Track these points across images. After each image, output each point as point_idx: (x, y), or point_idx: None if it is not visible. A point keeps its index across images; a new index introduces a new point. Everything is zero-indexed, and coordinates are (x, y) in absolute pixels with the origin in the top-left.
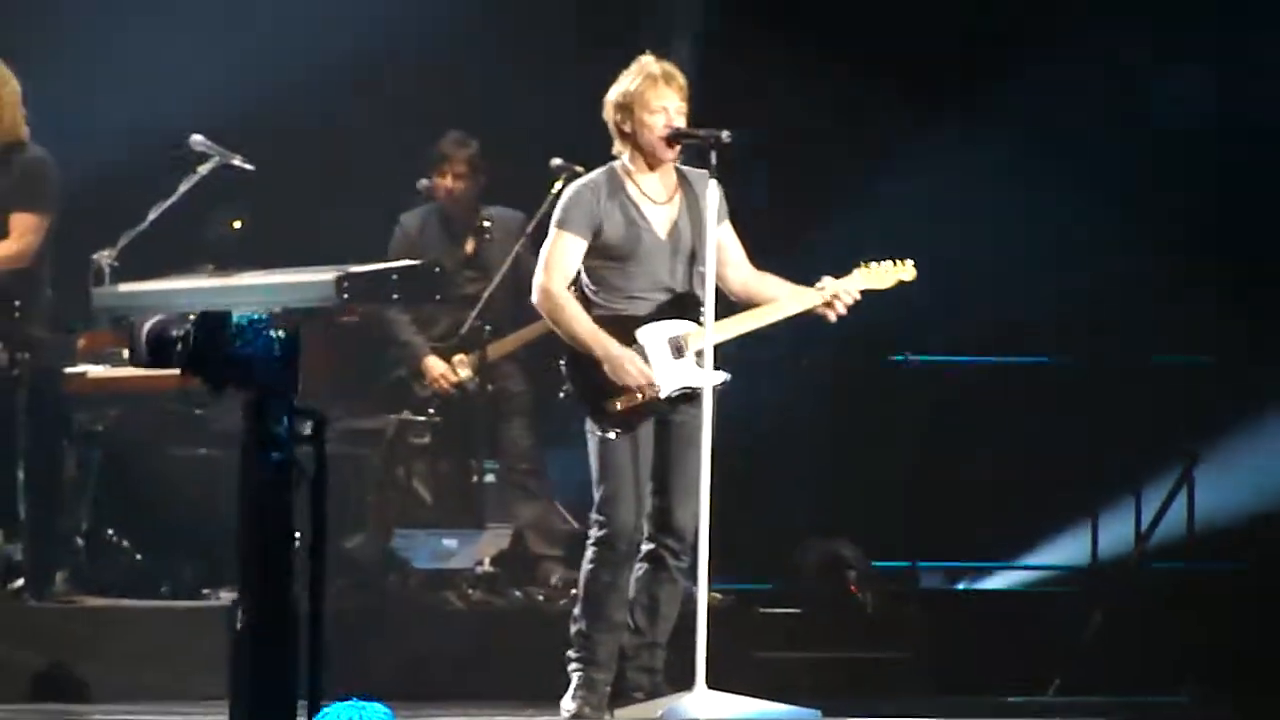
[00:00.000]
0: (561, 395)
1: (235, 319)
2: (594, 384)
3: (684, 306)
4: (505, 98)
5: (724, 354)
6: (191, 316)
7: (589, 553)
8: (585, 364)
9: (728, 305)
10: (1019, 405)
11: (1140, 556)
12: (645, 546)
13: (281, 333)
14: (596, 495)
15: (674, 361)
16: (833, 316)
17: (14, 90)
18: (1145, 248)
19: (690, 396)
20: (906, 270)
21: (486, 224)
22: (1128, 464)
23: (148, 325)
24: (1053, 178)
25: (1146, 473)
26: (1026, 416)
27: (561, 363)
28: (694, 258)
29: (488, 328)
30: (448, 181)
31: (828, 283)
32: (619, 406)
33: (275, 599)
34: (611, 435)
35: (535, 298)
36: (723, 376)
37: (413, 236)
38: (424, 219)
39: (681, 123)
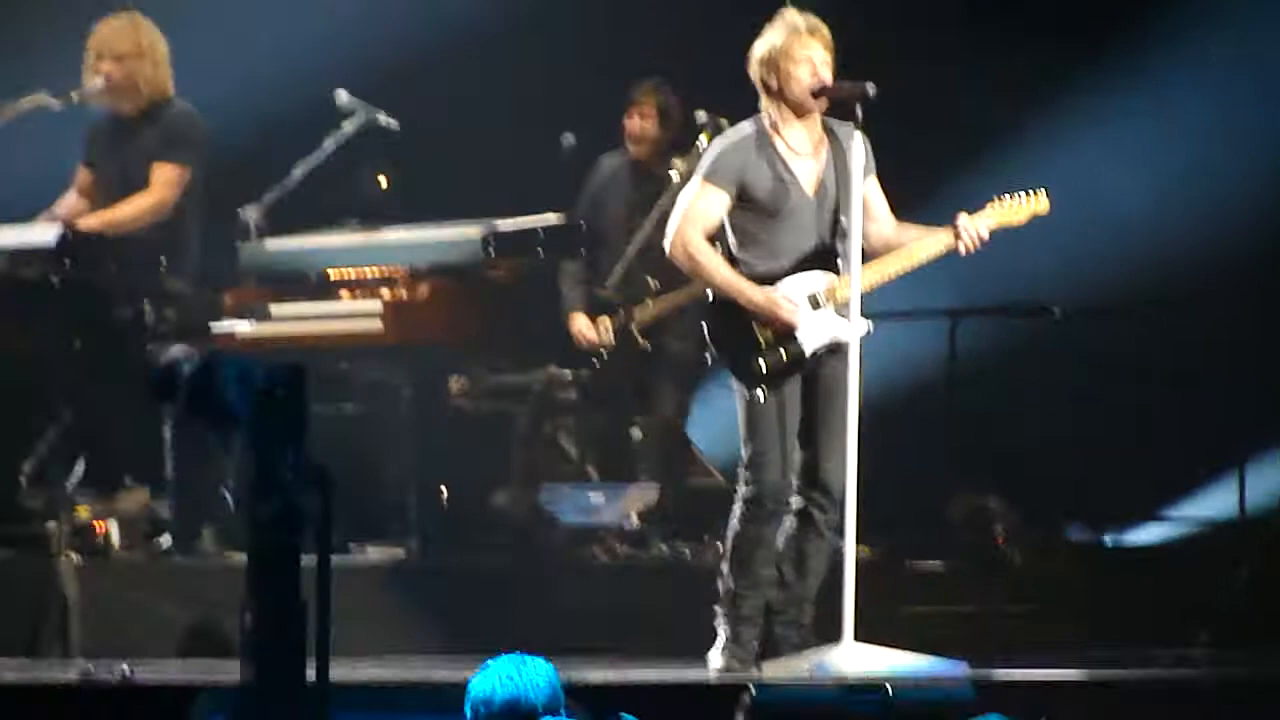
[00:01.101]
0: (707, 358)
1: (232, 367)
2: (738, 343)
3: (826, 261)
4: (653, 50)
5: (870, 308)
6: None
7: (737, 509)
8: (728, 324)
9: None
10: (1166, 355)
11: None
12: (794, 502)
13: (279, 382)
14: (744, 453)
15: (814, 315)
16: (963, 250)
17: (163, 50)
18: None
19: (834, 350)
20: (1039, 203)
21: (674, 174)
22: (1276, 413)
23: (161, 361)
24: (1209, 122)
25: None
26: (1173, 366)
27: (704, 326)
28: (838, 211)
29: (654, 282)
30: (634, 122)
31: (961, 219)
32: (765, 366)
33: (282, 654)
34: (759, 394)
35: (669, 248)
36: (866, 327)
37: (602, 182)
38: (615, 167)
39: (827, 74)
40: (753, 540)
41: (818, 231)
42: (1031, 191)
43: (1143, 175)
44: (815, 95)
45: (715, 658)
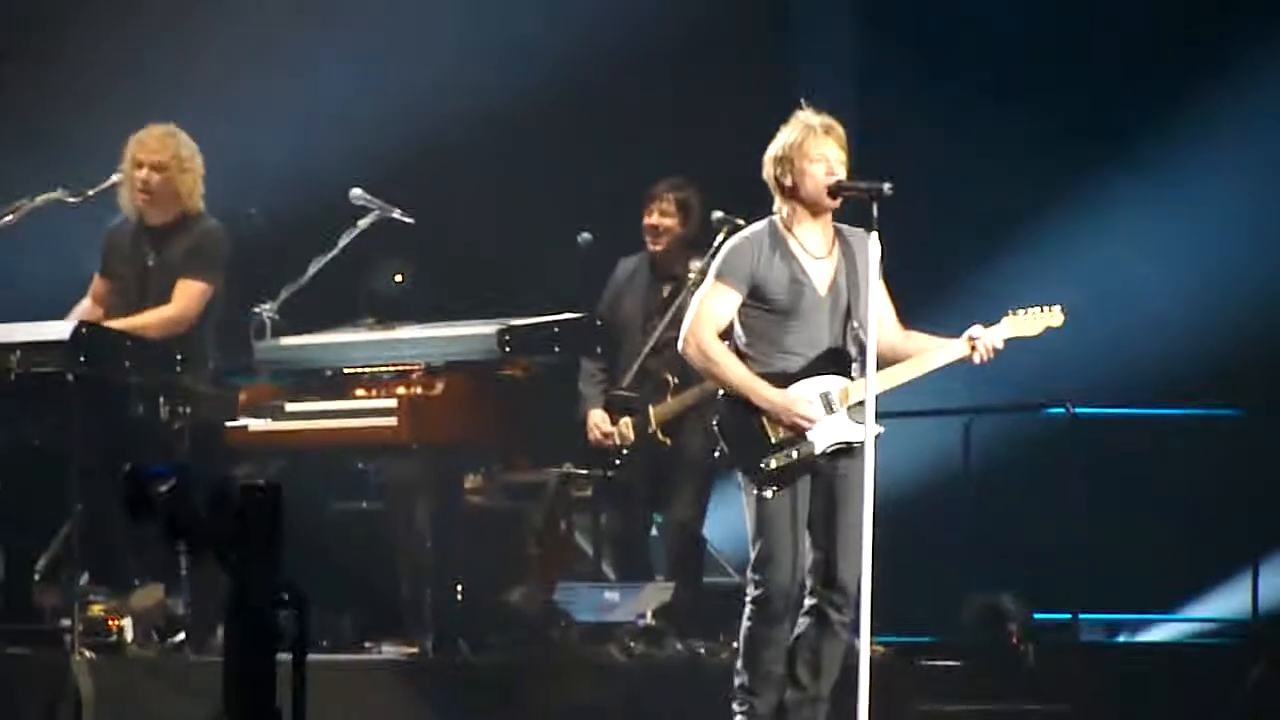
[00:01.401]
0: (715, 454)
1: (205, 485)
2: (748, 441)
3: (838, 363)
4: (668, 151)
5: (884, 406)
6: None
7: (747, 609)
8: (739, 421)
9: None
10: (1178, 456)
11: None
12: (808, 601)
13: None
14: (753, 553)
15: (827, 417)
16: (976, 359)
17: (200, 164)
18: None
19: (845, 452)
20: (1054, 317)
21: (690, 274)
22: None
23: (132, 477)
24: (1222, 228)
25: None
26: (1185, 467)
27: (715, 422)
28: (849, 314)
29: (673, 379)
30: (654, 219)
31: (975, 331)
32: (775, 464)
33: None
34: (768, 494)
35: (683, 345)
36: (879, 430)
37: (621, 282)
38: (637, 265)
39: (842, 173)
40: (763, 640)
41: (830, 333)
42: (1047, 306)
43: (1164, 275)
44: (831, 194)
45: None
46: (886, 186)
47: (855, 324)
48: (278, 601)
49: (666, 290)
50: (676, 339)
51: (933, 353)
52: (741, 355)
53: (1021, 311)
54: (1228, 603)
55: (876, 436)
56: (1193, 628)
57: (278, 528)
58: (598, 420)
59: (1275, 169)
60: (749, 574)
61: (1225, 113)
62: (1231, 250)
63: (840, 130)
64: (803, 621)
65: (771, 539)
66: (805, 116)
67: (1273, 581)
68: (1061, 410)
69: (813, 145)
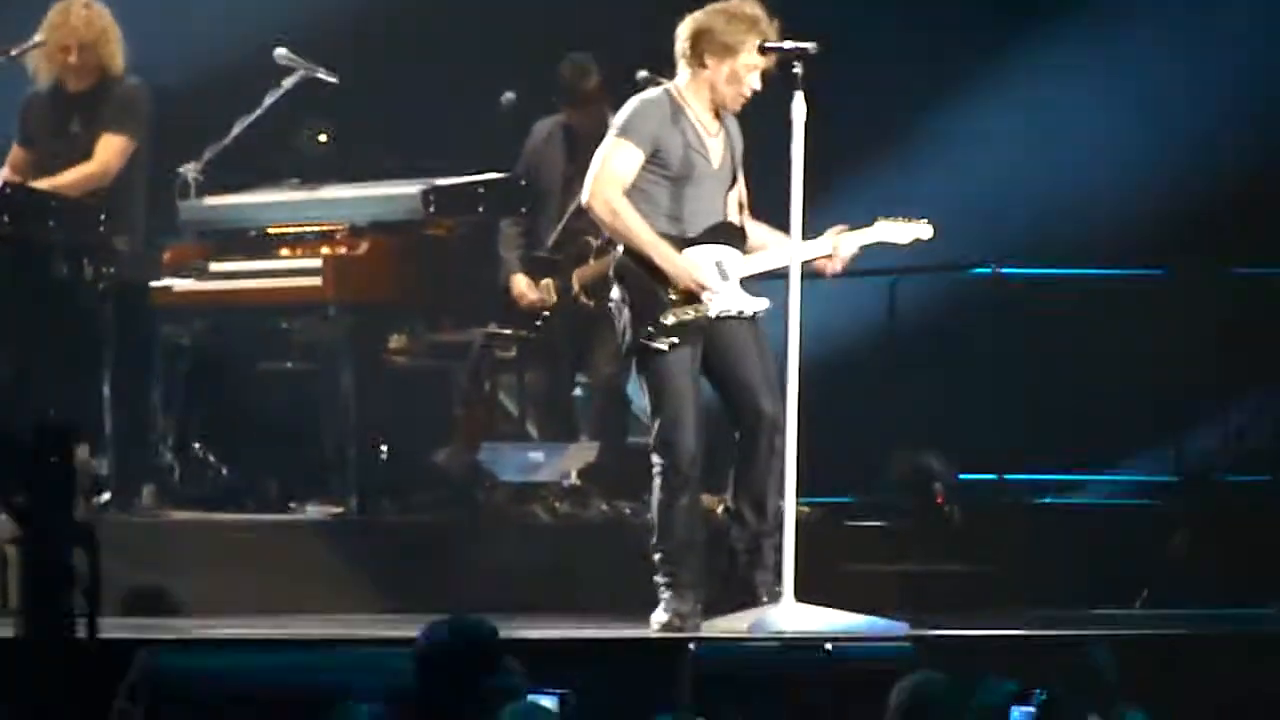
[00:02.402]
0: (611, 307)
1: None
2: (647, 297)
3: (727, 234)
4: (590, 10)
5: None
6: None
7: (656, 481)
8: (635, 282)
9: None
10: (1102, 318)
11: (1227, 468)
12: (738, 435)
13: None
14: (655, 425)
15: (721, 283)
16: (829, 271)
17: (115, 37)
18: (1228, 154)
19: (734, 318)
20: (924, 229)
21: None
22: (1214, 377)
23: None
24: (1135, 92)
25: (1234, 386)
26: (1112, 327)
27: (613, 272)
28: (732, 188)
29: (594, 241)
30: (572, 85)
31: (838, 238)
32: (672, 320)
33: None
34: (664, 346)
35: (587, 199)
36: (765, 303)
37: (539, 146)
38: (551, 129)
39: (756, 84)
40: (680, 508)
41: (720, 204)
42: (915, 219)
43: (1091, 134)
44: (741, 93)
45: (659, 615)
46: (810, 47)
47: (734, 198)
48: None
49: (585, 156)
50: None
51: (791, 248)
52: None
53: (891, 221)
54: (1153, 464)
55: (763, 311)
56: (1118, 488)
57: (71, 474)
58: (521, 286)
59: (1202, 19)
60: (653, 443)
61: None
62: (1158, 106)
63: (765, 21)
64: (737, 454)
65: (671, 406)
66: (739, 6)
67: (1197, 444)
68: (988, 270)
69: (734, 36)
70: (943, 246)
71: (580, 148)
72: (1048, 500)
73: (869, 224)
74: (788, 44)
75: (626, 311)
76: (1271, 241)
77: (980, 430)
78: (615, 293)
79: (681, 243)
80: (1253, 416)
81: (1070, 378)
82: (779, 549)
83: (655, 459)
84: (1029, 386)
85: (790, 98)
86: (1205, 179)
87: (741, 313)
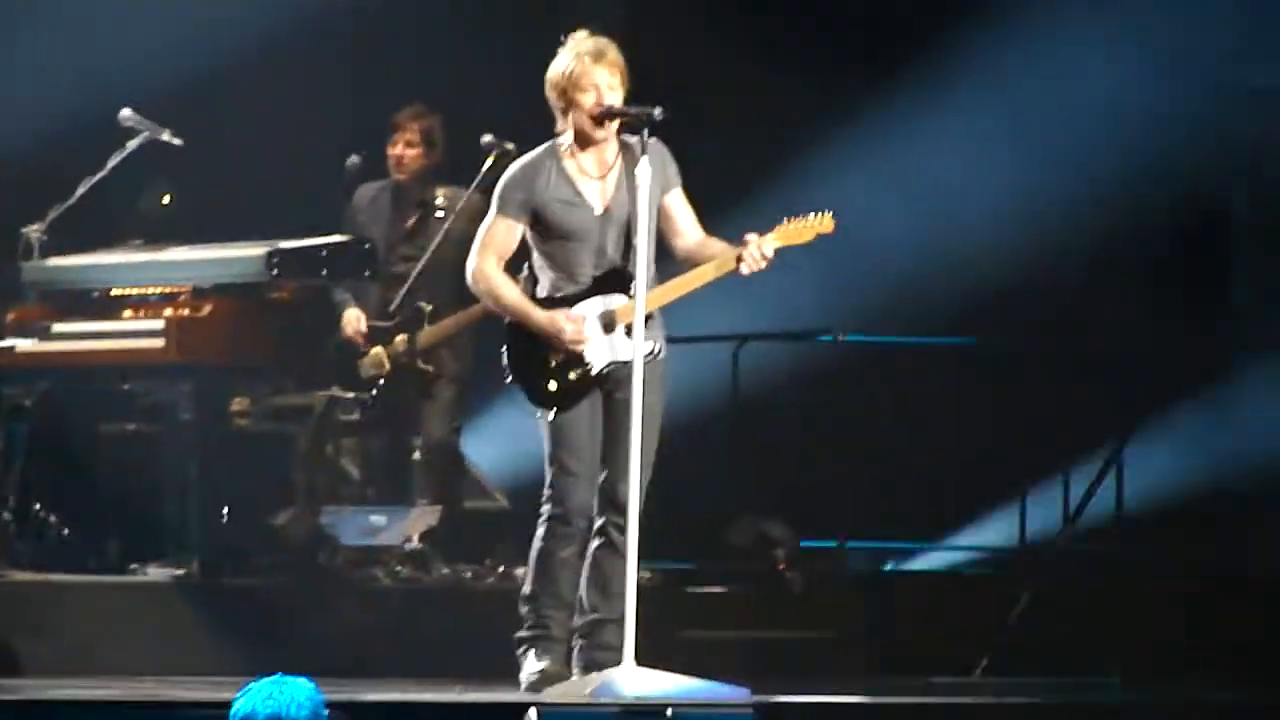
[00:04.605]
0: (508, 381)
1: None
2: (531, 366)
3: (618, 281)
4: (442, 75)
5: (659, 333)
6: None
7: (542, 529)
8: (521, 347)
9: (667, 275)
10: (950, 387)
11: (1068, 539)
12: (596, 523)
13: None
14: (549, 472)
15: (605, 337)
16: (745, 270)
17: None
18: (1078, 243)
19: (626, 367)
20: (825, 223)
21: (438, 201)
22: (1057, 447)
23: None
24: (989, 164)
25: (1075, 457)
26: (957, 399)
27: (503, 349)
28: (630, 231)
29: (428, 306)
30: (398, 149)
31: (748, 239)
32: (553, 386)
33: None
34: (550, 416)
35: (469, 278)
36: (650, 346)
37: (363, 207)
38: (377, 192)
39: (616, 99)
40: (561, 560)
41: (609, 252)
42: (819, 212)
43: (937, 211)
44: (599, 120)
45: (531, 669)
46: (657, 112)
47: (636, 238)
48: None
49: (412, 219)
50: (429, 271)
51: (704, 266)
52: (537, 281)
53: (794, 219)
54: (995, 532)
55: (652, 353)
56: (959, 556)
57: None
58: (352, 317)
59: (1018, 118)
60: (546, 493)
61: (978, 59)
62: (1002, 183)
63: (614, 54)
64: (592, 546)
65: (564, 460)
66: (578, 41)
67: (1039, 511)
68: (831, 338)
69: (583, 74)
70: (786, 314)
71: (406, 211)
72: (889, 568)
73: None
74: (633, 109)
75: (514, 378)
76: (1108, 321)
77: (823, 497)
78: (504, 359)
79: (578, 297)
80: (1090, 487)
81: (913, 447)
82: (620, 625)
83: (544, 507)
84: (872, 455)
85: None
86: (1049, 256)
87: (627, 363)
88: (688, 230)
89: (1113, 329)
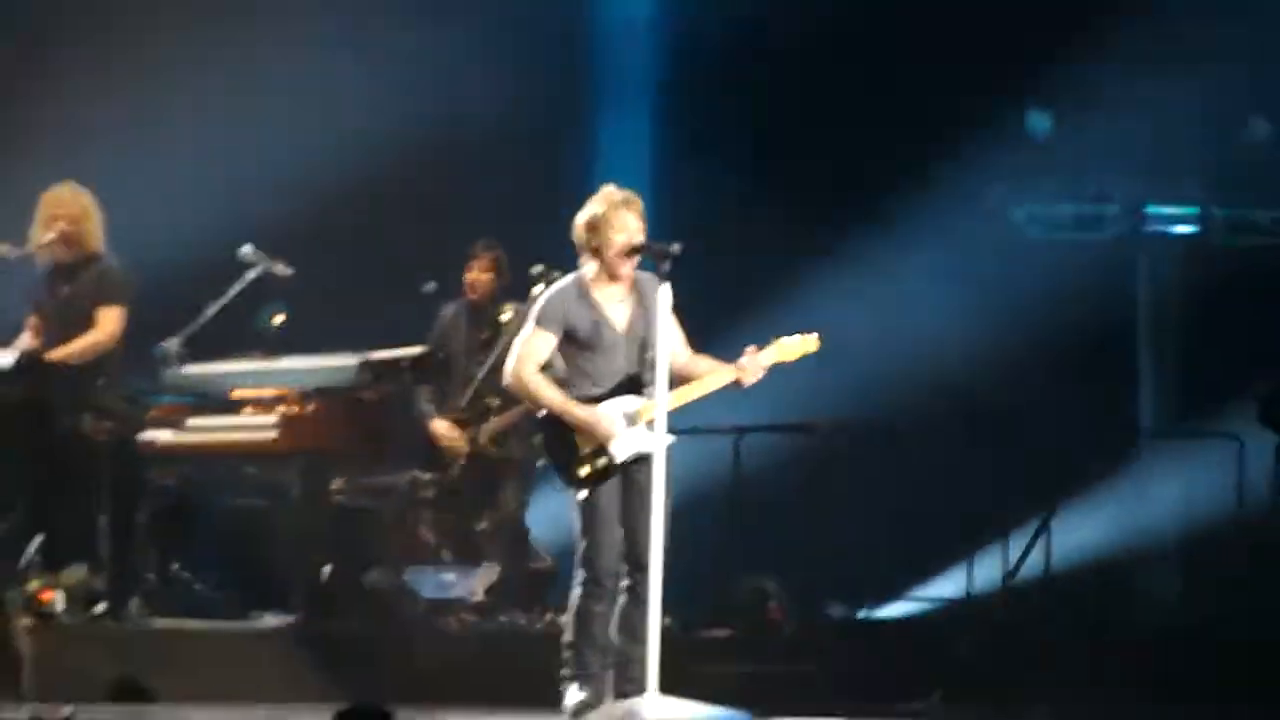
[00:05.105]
0: (539, 464)
1: None
2: (564, 453)
3: (637, 386)
4: (493, 214)
5: (672, 424)
6: None
7: (577, 591)
8: (556, 438)
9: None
10: (908, 469)
11: (1005, 593)
12: (623, 583)
13: None
14: (580, 546)
15: (628, 431)
16: (746, 382)
17: (96, 218)
18: (1013, 336)
19: (645, 458)
20: (810, 344)
21: (505, 317)
22: (997, 518)
23: None
24: (938, 281)
25: (1012, 525)
26: (914, 479)
27: (539, 439)
28: (645, 346)
29: (495, 401)
30: (473, 275)
31: (745, 356)
32: (584, 471)
33: None
34: (581, 495)
35: (508, 379)
36: (670, 439)
37: (446, 323)
38: (457, 310)
39: (640, 239)
40: (592, 616)
41: (628, 363)
42: (804, 334)
43: (901, 320)
44: (629, 254)
45: (571, 700)
46: (674, 247)
47: (650, 354)
48: None
49: (485, 332)
50: (497, 371)
51: (709, 376)
52: (561, 383)
53: (784, 339)
54: (947, 586)
55: (670, 445)
56: (918, 606)
57: None
58: (442, 429)
59: (955, 252)
60: (577, 561)
61: (926, 206)
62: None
63: (639, 203)
64: (621, 599)
65: (594, 533)
66: (609, 192)
67: (982, 570)
68: (813, 428)
69: (615, 217)
70: (780, 406)
71: (480, 325)
72: (862, 615)
73: (768, 344)
74: (656, 244)
75: (550, 463)
76: (1039, 414)
77: (808, 558)
78: (542, 453)
79: (597, 399)
80: (1024, 550)
81: (881, 518)
82: (645, 663)
83: (577, 573)
84: (848, 523)
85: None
86: (991, 360)
87: (647, 455)
88: (679, 347)
89: (1043, 421)
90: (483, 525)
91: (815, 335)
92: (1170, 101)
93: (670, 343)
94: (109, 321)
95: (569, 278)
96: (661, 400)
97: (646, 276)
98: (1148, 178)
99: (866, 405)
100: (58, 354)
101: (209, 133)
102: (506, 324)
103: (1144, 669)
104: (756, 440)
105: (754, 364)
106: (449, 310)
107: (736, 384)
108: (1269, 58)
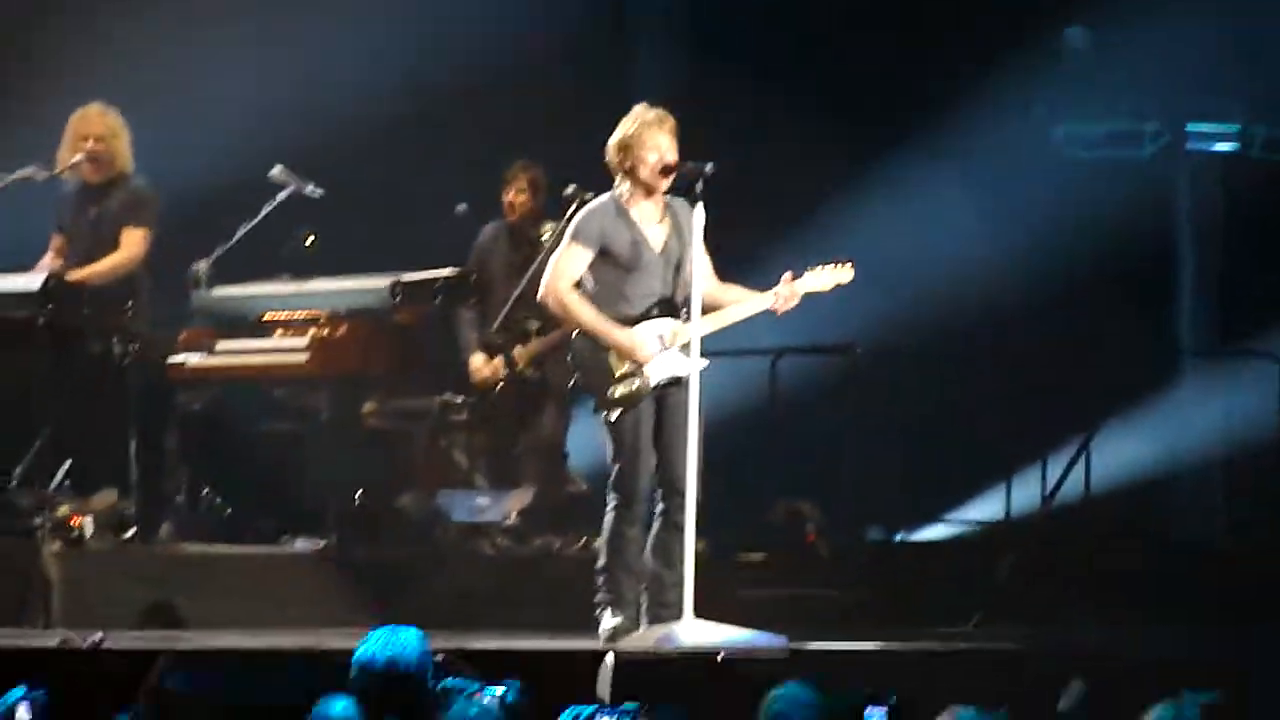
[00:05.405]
0: (570, 385)
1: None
2: (598, 373)
3: (670, 309)
4: (526, 135)
5: (710, 347)
6: None
7: (610, 516)
8: (591, 357)
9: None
10: (948, 390)
11: (1045, 513)
12: (659, 507)
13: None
14: (614, 470)
15: (662, 353)
16: (779, 309)
17: (125, 138)
18: (1051, 256)
19: (677, 382)
20: (845, 274)
21: (544, 236)
22: (1037, 439)
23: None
24: (976, 201)
25: (1052, 446)
26: (956, 400)
27: (570, 357)
28: (679, 269)
29: (534, 324)
30: (510, 196)
31: (781, 284)
32: (618, 393)
33: None
34: (614, 417)
35: (543, 295)
36: (704, 363)
37: (485, 245)
38: (496, 231)
39: (672, 158)
40: (629, 539)
41: (663, 285)
42: (839, 263)
43: (937, 241)
44: (663, 174)
45: (606, 626)
46: (709, 167)
47: (685, 277)
48: None
49: (524, 253)
50: (535, 293)
51: (745, 302)
52: (593, 302)
53: (819, 267)
54: (985, 508)
55: (703, 369)
56: (956, 529)
57: None
58: (477, 364)
59: (1000, 172)
60: (610, 486)
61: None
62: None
63: (671, 121)
64: (655, 524)
65: (628, 456)
66: (641, 111)
67: (1021, 492)
68: (851, 349)
69: (649, 136)
70: (817, 328)
71: (520, 246)
72: (898, 538)
73: (802, 270)
74: (689, 164)
75: (582, 384)
76: (1079, 334)
77: (845, 481)
78: (574, 373)
79: (631, 321)
80: (1064, 471)
81: (919, 439)
82: (680, 587)
83: (610, 497)
84: (884, 446)
85: (692, 208)
86: (1031, 283)
87: (681, 378)
88: (707, 273)
89: (1083, 341)
90: (519, 449)
91: (849, 264)
92: (1209, 18)
93: (703, 267)
94: (133, 243)
95: (605, 196)
96: (696, 323)
97: (679, 201)
98: (1187, 95)
99: (904, 326)
100: (79, 274)
101: (239, 52)
102: (546, 244)
103: (1183, 591)
104: (793, 362)
105: (789, 292)
106: (488, 232)
107: (771, 311)
108: None
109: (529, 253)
